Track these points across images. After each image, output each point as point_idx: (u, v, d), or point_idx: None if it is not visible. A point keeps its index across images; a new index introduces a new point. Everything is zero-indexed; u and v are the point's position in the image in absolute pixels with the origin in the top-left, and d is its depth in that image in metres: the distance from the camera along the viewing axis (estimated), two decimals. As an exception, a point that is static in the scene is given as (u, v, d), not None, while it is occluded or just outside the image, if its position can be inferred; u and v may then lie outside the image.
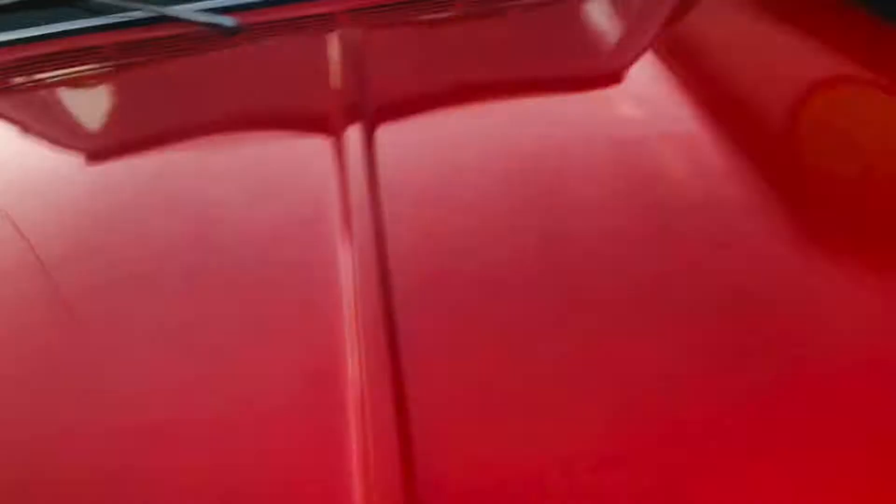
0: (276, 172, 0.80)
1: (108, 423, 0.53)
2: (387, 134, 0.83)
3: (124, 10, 1.16)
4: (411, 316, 0.57)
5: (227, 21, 1.12)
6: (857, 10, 1.12)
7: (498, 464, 0.46)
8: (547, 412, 0.49)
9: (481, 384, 0.51)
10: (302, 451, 0.48)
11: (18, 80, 1.13)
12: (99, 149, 0.97)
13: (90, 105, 1.10)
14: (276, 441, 0.49)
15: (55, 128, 1.06)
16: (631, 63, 1.00)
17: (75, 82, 1.14)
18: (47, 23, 1.18)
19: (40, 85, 1.12)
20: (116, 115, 1.05)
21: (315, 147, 0.84)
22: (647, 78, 0.94)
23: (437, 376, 0.52)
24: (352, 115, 0.84)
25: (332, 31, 1.09)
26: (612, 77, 0.95)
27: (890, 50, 0.98)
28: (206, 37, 1.12)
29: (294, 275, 0.64)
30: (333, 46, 1.05)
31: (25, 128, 1.04)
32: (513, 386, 0.51)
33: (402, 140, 0.83)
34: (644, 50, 1.03)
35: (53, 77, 1.13)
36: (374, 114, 0.86)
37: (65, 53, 1.15)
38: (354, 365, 0.53)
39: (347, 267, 0.62)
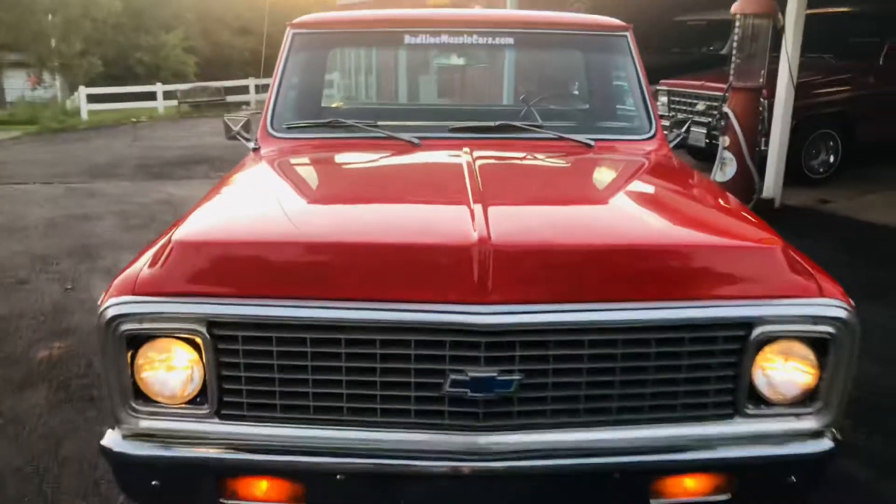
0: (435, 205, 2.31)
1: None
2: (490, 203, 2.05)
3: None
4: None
5: (414, 139, 2.85)
6: None
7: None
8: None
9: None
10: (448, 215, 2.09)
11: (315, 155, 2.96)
12: (336, 194, 2.58)
13: (341, 172, 2.88)
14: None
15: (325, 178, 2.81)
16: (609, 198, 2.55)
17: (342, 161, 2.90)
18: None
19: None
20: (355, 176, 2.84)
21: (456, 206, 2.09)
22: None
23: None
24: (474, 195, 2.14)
25: (461, 148, 2.69)
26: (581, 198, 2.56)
27: None
28: (406, 145, 2.86)
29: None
30: (464, 157, 2.58)
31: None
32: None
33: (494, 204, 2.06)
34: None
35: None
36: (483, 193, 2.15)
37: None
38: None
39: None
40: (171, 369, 1.93)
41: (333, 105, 3.54)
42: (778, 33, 6.96)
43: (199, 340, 1.88)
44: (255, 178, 2.68)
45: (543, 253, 1.90)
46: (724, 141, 7.14)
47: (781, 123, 7.28)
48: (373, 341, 1.85)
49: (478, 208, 2.01)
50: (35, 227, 7.43)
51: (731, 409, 1.97)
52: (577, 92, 3.52)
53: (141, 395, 1.94)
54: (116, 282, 1.97)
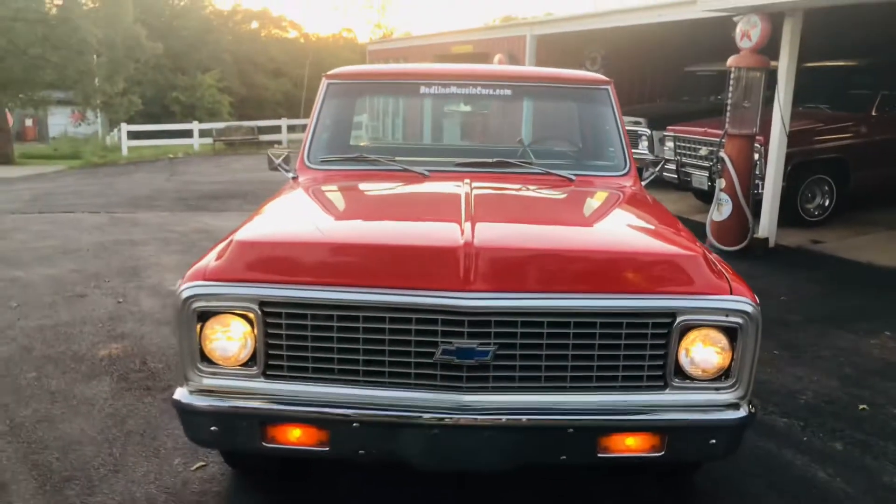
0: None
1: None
2: (477, 219, 2.67)
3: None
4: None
5: (424, 171, 3.49)
6: None
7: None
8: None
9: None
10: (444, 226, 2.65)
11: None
12: (358, 210, 3.35)
13: (363, 195, 3.57)
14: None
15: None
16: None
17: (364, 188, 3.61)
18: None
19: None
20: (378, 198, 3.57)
21: (450, 220, 2.71)
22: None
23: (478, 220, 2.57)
24: (466, 212, 2.76)
25: (463, 179, 3.33)
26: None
27: None
28: (418, 176, 3.54)
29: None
30: (464, 186, 3.20)
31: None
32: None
33: (480, 220, 2.66)
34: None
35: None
36: (474, 212, 2.78)
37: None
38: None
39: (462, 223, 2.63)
40: (230, 339, 2.53)
41: (361, 143, 4.18)
42: (774, 84, 7.57)
43: (252, 316, 2.48)
44: (294, 198, 3.32)
45: (514, 254, 2.50)
46: (721, 183, 7.71)
47: (775, 168, 7.83)
48: (383, 318, 2.44)
49: (466, 223, 2.62)
50: (87, 249, 8.13)
51: (662, 382, 2.52)
52: (564, 135, 4.13)
53: (205, 359, 2.55)
54: (190, 272, 2.60)
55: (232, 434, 2.62)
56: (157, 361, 4.58)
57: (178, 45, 33.24)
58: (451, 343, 2.42)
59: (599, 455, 2.56)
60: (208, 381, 2.57)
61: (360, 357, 2.49)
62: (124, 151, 21.90)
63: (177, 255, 7.84)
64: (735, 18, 7.73)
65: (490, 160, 3.71)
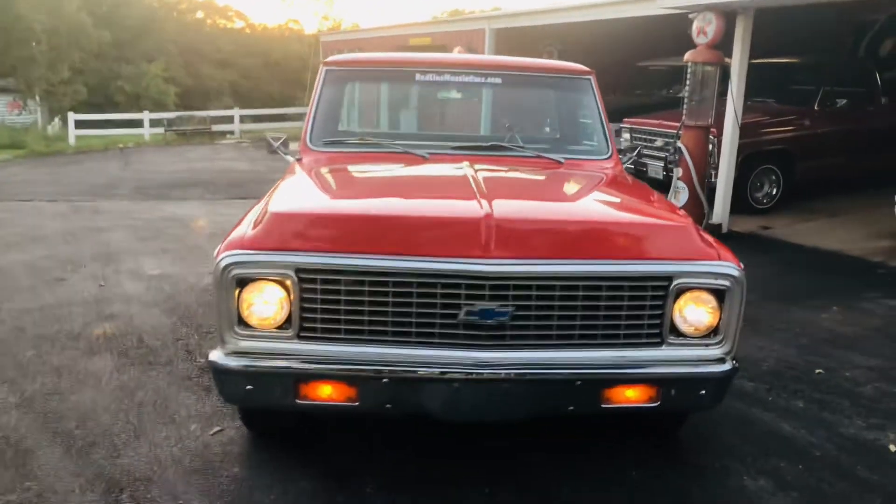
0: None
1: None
2: (490, 194, 2.91)
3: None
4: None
5: (424, 153, 3.75)
6: None
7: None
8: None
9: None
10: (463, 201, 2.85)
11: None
12: (378, 186, 3.64)
13: (375, 173, 3.78)
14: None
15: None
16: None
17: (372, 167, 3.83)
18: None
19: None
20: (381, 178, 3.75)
21: (466, 194, 3.00)
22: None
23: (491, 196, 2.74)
24: (478, 189, 3.02)
25: (461, 161, 3.58)
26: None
27: None
28: (418, 158, 3.77)
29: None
30: (466, 167, 3.43)
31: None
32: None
33: (493, 195, 2.91)
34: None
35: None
36: (484, 188, 3.03)
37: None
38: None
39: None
40: (266, 303, 2.73)
41: (358, 128, 4.39)
42: (727, 78, 8.00)
43: (288, 282, 2.69)
44: (309, 176, 3.51)
45: (529, 225, 2.77)
46: (678, 172, 8.12)
47: (728, 158, 8.28)
48: (411, 283, 2.67)
49: (482, 199, 2.86)
50: (53, 236, 8.10)
51: (659, 339, 2.81)
52: (549, 121, 4.41)
53: (242, 323, 2.74)
54: (227, 241, 2.78)
55: (267, 392, 2.81)
56: (153, 339, 4.70)
57: (122, 34, 32.54)
58: (473, 305, 2.66)
59: (603, 406, 2.85)
60: (245, 344, 2.76)
61: (389, 319, 2.71)
62: (71, 141, 21.41)
63: (147, 241, 7.89)
64: (690, 16, 8.14)
65: (485, 143, 3.97)
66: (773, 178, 9.26)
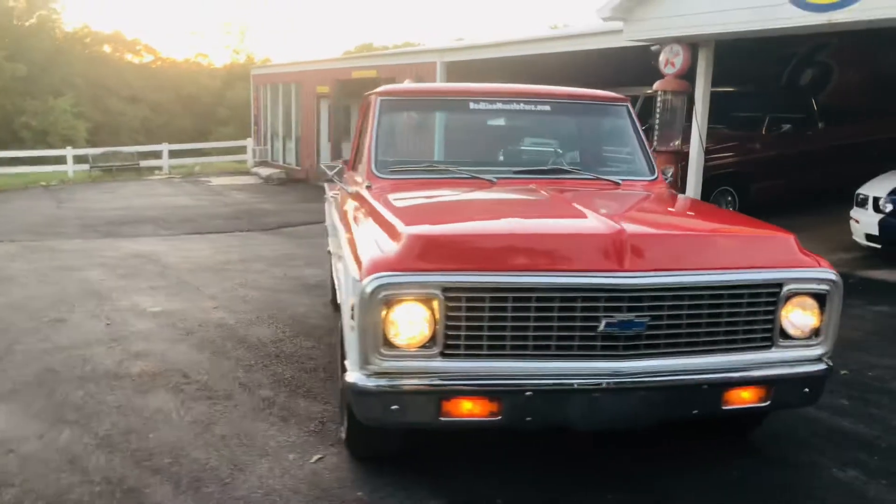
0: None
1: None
2: (601, 212, 3.17)
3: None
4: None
5: (492, 178, 3.92)
6: None
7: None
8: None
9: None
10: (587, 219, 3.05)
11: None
12: (485, 208, 3.67)
13: (463, 197, 3.86)
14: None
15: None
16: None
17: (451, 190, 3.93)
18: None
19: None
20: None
21: (580, 213, 3.21)
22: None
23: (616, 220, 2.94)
24: (583, 208, 3.23)
25: (529, 185, 3.90)
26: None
27: None
28: (486, 183, 3.92)
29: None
30: (541, 190, 3.74)
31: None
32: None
33: (604, 213, 3.14)
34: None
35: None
36: (587, 207, 3.24)
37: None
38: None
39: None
40: (412, 323, 2.79)
41: (416, 155, 4.47)
42: (690, 106, 8.49)
43: (434, 302, 2.76)
44: (400, 201, 3.57)
45: (658, 239, 2.95)
46: (651, 195, 8.52)
47: (695, 180, 8.76)
48: (552, 298, 2.79)
49: (592, 214, 3.03)
50: (24, 277, 7.73)
51: (770, 342, 3.03)
52: (594, 145, 4.64)
53: (388, 343, 2.79)
54: (367, 265, 2.82)
55: (411, 411, 2.86)
56: (199, 375, 4.61)
57: (28, 68, 31.24)
58: (612, 317, 2.81)
59: (723, 408, 3.03)
60: (389, 364, 2.81)
61: (531, 333, 2.82)
62: (-15, 180, 20.30)
63: (129, 279, 7.65)
64: (653, 48, 8.63)
65: (545, 167, 4.15)
66: (730, 199, 9.83)
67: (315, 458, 3.46)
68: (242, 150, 23.49)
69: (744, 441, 3.73)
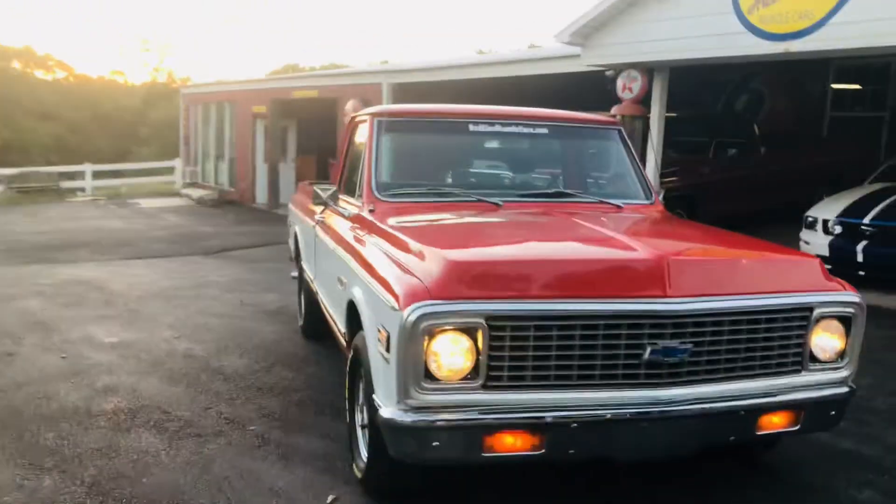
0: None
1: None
2: (631, 236, 3.25)
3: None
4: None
5: (498, 201, 3.78)
6: None
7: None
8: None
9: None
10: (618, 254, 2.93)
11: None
12: (510, 233, 3.59)
13: (478, 220, 3.76)
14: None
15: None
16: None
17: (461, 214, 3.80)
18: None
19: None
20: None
21: (611, 239, 3.22)
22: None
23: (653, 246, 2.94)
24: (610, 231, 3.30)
25: (533, 208, 3.88)
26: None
27: None
28: (492, 206, 3.80)
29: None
30: (551, 213, 3.78)
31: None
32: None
33: (634, 236, 3.23)
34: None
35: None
36: (626, 233, 3.32)
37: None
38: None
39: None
40: (453, 354, 2.66)
41: (414, 177, 4.33)
42: (646, 131, 8.65)
43: (479, 331, 2.63)
44: (417, 224, 3.44)
45: (698, 265, 2.91)
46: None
47: (650, 203, 8.89)
48: (597, 325, 2.71)
49: (624, 238, 2.99)
50: (-44, 307, 7.19)
51: (800, 367, 3.03)
52: (594, 169, 4.62)
53: (428, 376, 2.64)
54: (405, 294, 2.68)
55: (453, 447, 2.72)
56: (179, 410, 4.32)
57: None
58: (656, 343, 2.75)
59: (757, 433, 3.00)
60: (429, 398, 2.66)
61: (575, 362, 2.73)
62: None
63: (74, 308, 7.20)
64: (608, 73, 8.77)
65: (550, 191, 4.09)
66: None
67: (330, 498, 3.26)
68: (170, 171, 22.72)
69: (752, 464, 3.73)
